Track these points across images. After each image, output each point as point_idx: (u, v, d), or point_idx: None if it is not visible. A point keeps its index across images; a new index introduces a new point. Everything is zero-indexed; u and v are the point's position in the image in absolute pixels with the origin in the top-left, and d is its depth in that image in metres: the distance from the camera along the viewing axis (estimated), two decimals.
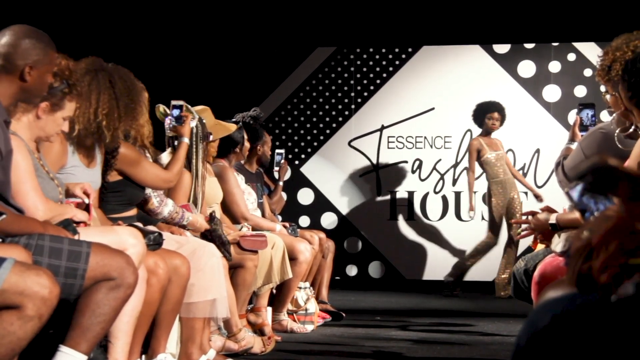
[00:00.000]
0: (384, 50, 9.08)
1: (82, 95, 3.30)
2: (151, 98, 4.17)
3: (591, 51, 8.65)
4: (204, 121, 4.62)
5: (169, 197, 4.27)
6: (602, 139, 3.29)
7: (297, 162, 9.12)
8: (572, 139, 3.63)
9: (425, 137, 8.96)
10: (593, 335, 1.30)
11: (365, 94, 9.09)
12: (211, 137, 4.71)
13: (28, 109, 3.12)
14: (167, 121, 4.49)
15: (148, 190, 4.08)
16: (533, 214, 3.29)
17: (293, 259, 5.35)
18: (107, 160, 3.70)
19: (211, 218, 4.37)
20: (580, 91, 8.71)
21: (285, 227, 5.79)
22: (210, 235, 4.30)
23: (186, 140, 4.35)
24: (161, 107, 4.55)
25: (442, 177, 8.93)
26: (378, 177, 9.00)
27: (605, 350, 1.28)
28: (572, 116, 8.50)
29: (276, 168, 6.73)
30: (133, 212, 3.93)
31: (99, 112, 3.52)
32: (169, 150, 4.57)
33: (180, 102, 4.46)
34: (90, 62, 3.64)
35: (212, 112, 4.97)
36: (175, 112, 4.43)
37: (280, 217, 6.76)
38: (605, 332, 1.30)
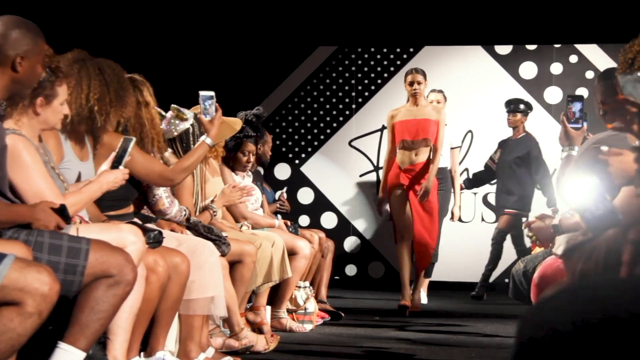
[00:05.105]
0: (385, 50, 9.08)
1: (68, 77, 3.29)
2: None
3: (593, 53, 8.65)
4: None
5: (175, 198, 4.26)
6: (597, 155, 3.29)
7: (297, 162, 9.11)
8: (570, 143, 3.58)
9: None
10: (594, 336, 1.30)
11: (366, 93, 9.09)
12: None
13: (25, 108, 3.12)
14: (164, 124, 4.44)
15: (159, 191, 4.07)
16: (540, 218, 3.31)
17: (292, 255, 5.35)
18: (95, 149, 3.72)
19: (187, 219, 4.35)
20: (581, 93, 8.68)
21: (286, 224, 5.79)
22: (196, 227, 4.24)
23: (208, 141, 4.08)
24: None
25: None
26: (378, 177, 8.99)
27: (606, 351, 1.28)
28: None
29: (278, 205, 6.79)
30: (130, 209, 3.91)
31: (90, 97, 3.53)
32: (170, 151, 4.52)
33: (211, 93, 4.10)
34: (76, 53, 3.65)
35: None
36: (207, 103, 4.07)
37: (279, 216, 6.76)
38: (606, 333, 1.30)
